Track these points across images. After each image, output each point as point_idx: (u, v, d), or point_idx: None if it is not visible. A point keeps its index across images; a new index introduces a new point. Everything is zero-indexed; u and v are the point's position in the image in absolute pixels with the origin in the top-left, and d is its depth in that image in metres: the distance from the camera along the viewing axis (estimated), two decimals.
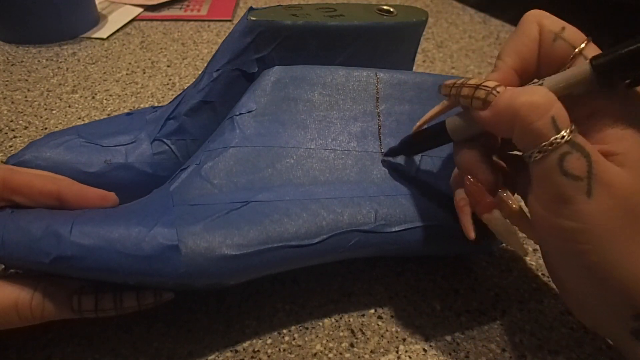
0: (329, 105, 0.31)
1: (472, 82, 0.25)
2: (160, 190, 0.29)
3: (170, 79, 0.55)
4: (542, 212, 0.23)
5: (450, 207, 0.29)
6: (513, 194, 0.27)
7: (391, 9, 0.35)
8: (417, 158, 0.31)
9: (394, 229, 0.29)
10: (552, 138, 0.21)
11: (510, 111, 0.22)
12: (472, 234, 0.26)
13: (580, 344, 0.29)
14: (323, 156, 0.30)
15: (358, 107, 0.31)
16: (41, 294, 0.25)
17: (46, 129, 0.46)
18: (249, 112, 0.30)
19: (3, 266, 0.28)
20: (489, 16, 0.73)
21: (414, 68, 0.41)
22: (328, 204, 0.28)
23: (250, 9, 0.33)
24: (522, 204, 0.26)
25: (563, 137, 0.21)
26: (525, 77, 0.26)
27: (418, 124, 0.29)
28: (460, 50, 0.63)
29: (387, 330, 0.30)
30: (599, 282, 0.22)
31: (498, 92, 0.23)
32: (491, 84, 0.24)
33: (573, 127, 0.21)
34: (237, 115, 0.30)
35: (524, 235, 0.27)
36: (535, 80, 0.25)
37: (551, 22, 0.25)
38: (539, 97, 0.22)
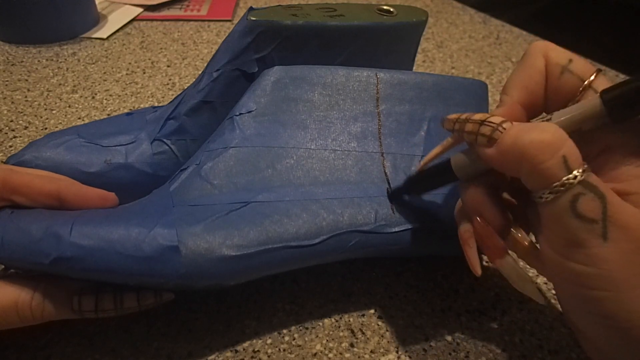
0: (329, 105, 0.31)
1: (476, 117, 0.23)
2: (160, 190, 0.29)
3: (170, 79, 0.55)
4: (554, 255, 0.21)
5: (451, 207, 0.29)
6: (527, 232, 0.26)
7: (391, 9, 0.35)
8: (416, 157, 0.31)
9: (394, 230, 0.29)
10: (564, 178, 0.20)
11: (517, 150, 0.21)
12: (478, 270, 0.25)
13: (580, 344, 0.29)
14: (323, 156, 0.30)
15: (358, 107, 0.31)
16: (41, 294, 0.25)
17: (46, 129, 0.46)
18: (249, 112, 0.30)
19: (3, 266, 0.28)
20: (489, 16, 0.73)
21: (414, 68, 0.41)
22: (328, 204, 0.28)
23: (250, 9, 0.33)
24: (534, 238, 0.25)
25: (575, 177, 0.20)
26: (532, 111, 0.25)
27: (422, 162, 0.28)
28: (460, 50, 0.63)
29: (387, 330, 0.30)
30: (619, 331, 0.20)
31: (504, 129, 0.22)
32: (497, 119, 0.22)
33: (585, 166, 0.20)
34: (237, 115, 0.30)
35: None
36: (544, 114, 0.24)
37: (558, 54, 0.24)
38: (548, 134, 0.20)
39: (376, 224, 0.28)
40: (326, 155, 0.30)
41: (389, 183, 0.30)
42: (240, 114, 0.30)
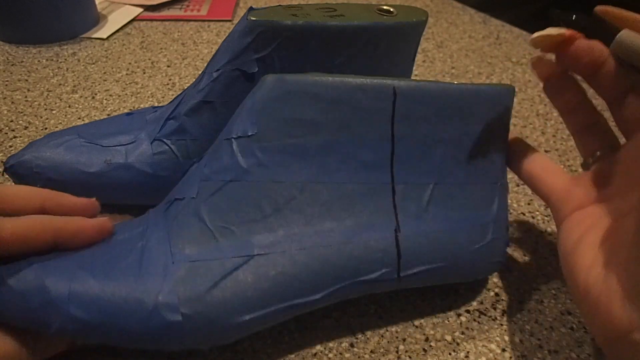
0: (339, 126, 0.27)
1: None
2: (156, 222, 0.27)
3: (170, 79, 0.55)
4: None
5: (458, 244, 0.29)
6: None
7: (391, 9, 0.35)
8: (429, 186, 0.29)
9: (399, 275, 0.28)
10: None
11: None
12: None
13: (580, 344, 0.29)
14: (330, 191, 0.27)
15: (371, 129, 0.27)
16: (43, 341, 0.24)
17: (46, 129, 0.46)
18: (247, 136, 0.26)
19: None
20: (489, 16, 0.73)
21: (414, 68, 0.41)
22: (334, 250, 0.27)
23: (250, 9, 0.33)
24: None
25: None
26: None
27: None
28: (460, 50, 0.63)
29: (387, 330, 0.30)
30: None
31: None
32: None
33: None
34: (235, 138, 0.27)
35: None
36: None
37: None
38: None
39: (382, 271, 0.27)
40: (333, 190, 0.27)
41: (397, 219, 0.28)
42: (239, 137, 0.27)
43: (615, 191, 0.26)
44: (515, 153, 0.31)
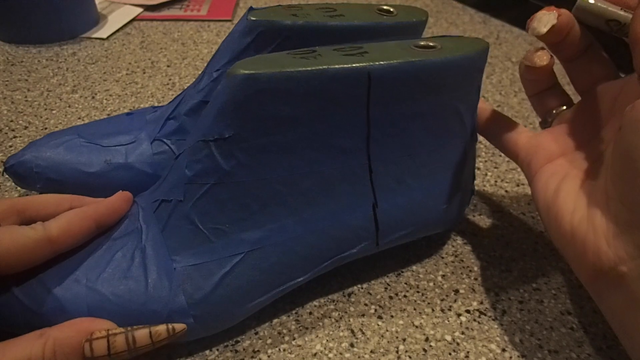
0: (313, 117, 0.26)
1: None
2: (147, 223, 0.28)
3: (170, 79, 0.55)
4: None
5: (430, 206, 0.31)
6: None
7: (391, 9, 0.35)
8: (404, 158, 0.30)
9: (378, 244, 0.31)
10: None
11: None
12: None
13: (580, 344, 0.29)
14: (309, 179, 0.28)
15: (346, 116, 0.27)
16: (51, 347, 0.24)
17: (46, 129, 0.46)
18: (225, 138, 0.26)
19: None
20: (489, 16, 0.73)
21: None
22: (319, 235, 0.28)
23: (250, 9, 0.33)
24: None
25: None
26: None
27: None
28: None
29: (387, 330, 0.30)
30: None
31: None
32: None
33: None
34: (213, 140, 0.26)
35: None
36: None
37: None
38: None
39: (362, 244, 0.30)
40: (313, 178, 0.28)
41: (374, 195, 0.29)
42: (217, 139, 0.26)
43: (579, 143, 0.29)
44: (481, 117, 0.34)
